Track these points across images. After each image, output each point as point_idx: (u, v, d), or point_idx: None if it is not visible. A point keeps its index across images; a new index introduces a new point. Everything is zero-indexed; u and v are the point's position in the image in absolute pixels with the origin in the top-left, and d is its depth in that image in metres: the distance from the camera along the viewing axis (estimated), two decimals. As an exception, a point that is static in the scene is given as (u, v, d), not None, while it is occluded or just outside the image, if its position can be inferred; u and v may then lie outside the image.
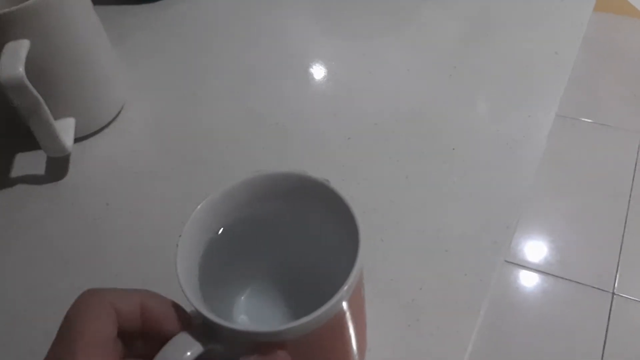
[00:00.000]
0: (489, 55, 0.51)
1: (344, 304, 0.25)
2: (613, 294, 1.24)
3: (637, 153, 1.48)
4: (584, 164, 1.48)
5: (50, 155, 0.45)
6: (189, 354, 0.23)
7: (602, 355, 1.14)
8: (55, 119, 0.45)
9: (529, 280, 1.28)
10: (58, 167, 0.47)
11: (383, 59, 0.52)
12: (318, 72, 0.52)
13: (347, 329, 0.28)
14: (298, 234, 0.32)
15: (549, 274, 1.29)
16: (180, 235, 0.26)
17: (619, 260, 1.29)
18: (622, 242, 1.32)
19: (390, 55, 0.52)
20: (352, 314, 0.27)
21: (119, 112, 0.50)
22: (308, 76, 0.51)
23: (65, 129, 0.46)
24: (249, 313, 0.29)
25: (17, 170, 0.47)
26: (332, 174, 0.44)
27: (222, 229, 0.29)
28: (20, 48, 0.40)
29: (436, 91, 0.49)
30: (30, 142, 0.46)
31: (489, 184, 0.43)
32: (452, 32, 0.53)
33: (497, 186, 0.42)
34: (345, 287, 0.24)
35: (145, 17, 0.58)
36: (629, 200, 1.39)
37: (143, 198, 0.44)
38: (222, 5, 0.58)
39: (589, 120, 1.57)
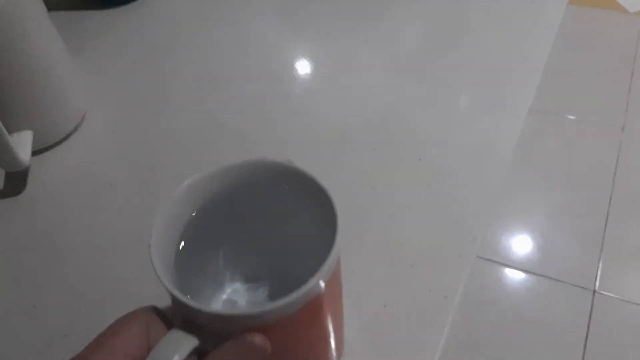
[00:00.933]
0: (458, 60, 0.50)
1: (321, 287, 0.25)
2: (594, 291, 1.24)
3: (619, 148, 1.48)
4: (565, 160, 1.48)
5: (6, 170, 0.44)
6: (179, 353, 0.23)
7: (584, 353, 1.14)
8: (11, 132, 0.44)
9: (509, 278, 1.28)
10: (16, 181, 0.45)
11: (349, 62, 0.51)
12: (282, 75, 0.50)
13: (324, 314, 0.27)
14: (275, 223, 0.31)
15: (530, 271, 1.29)
16: (152, 226, 0.26)
17: (600, 258, 1.30)
18: (603, 240, 1.32)
19: (357, 59, 0.51)
20: (330, 299, 0.27)
21: (81, 122, 0.49)
22: (272, 80, 0.50)
23: (22, 143, 0.44)
24: (229, 302, 0.29)
25: (-27, 185, 0.46)
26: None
27: (194, 220, 0.29)
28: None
29: (404, 97, 0.48)
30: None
31: (454, 196, 0.42)
32: (421, 36, 0.52)
33: (463, 198, 0.42)
34: (323, 270, 0.24)
35: (106, 23, 0.56)
36: (610, 196, 1.40)
37: (103, 210, 0.43)
38: (184, 9, 0.57)
39: (570, 116, 1.57)
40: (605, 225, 1.35)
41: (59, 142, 0.48)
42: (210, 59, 0.52)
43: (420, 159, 0.44)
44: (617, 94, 1.60)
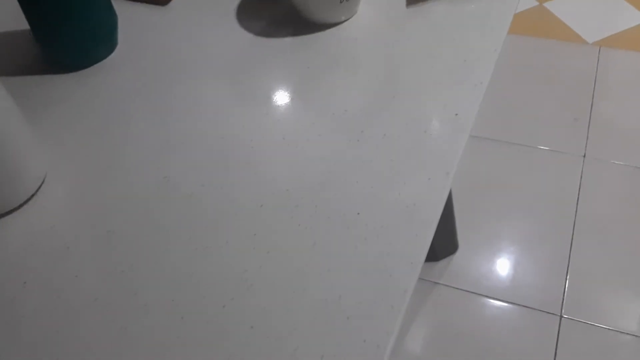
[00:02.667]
0: (394, 119, 0.54)
1: None
2: (561, 317, 1.28)
3: (580, 176, 1.53)
4: (527, 188, 1.52)
5: (-35, 238, 0.46)
6: None
7: (551, 379, 1.17)
8: (-29, 200, 0.47)
9: (476, 306, 1.31)
10: (-24, 247, 0.48)
11: (295, 124, 0.54)
12: (231, 140, 0.54)
13: None
14: None
15: (495, 298, 1.32)
16: None
17: (565, 283, 1.33)
18: (568, 265, 1.36)
19: (302, 121, 0.54)
20: None
21: (39, 187, 0.51)
22: (222, 144, 0.53)
23: (-19, 211, 0.47)
24: None
25: (-64, 252, 0.48)
26: (244, 243, 0.46)
27: None
28: None
29: (345, 156, 0.51)
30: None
31: (388, 250, 0.45)
32: (361, 96, 0.56)
33: (395, 252, 0.45)
34: None
35: (64, 89, 0.59)
36: (574, 222, 1.44)
37: (60, 275, 0.46)
38: (139, 75, 0.60)
39: (533, 146, 1.62)
40: (570, 251, 1.39)
41: (18, 207, 0.50)
42: (164, 125, 0.55)
43: (358, 214, 0.48)
44: (578, 122, 1.66)
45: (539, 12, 1.99)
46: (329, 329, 0.41)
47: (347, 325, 0.42)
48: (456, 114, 0.53)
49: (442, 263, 1.39)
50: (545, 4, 2.01)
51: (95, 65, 0.61)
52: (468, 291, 1.34)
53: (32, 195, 0.51)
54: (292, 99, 0.56)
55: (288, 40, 0.62)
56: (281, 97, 0.57)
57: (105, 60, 0.61)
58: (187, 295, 0.44)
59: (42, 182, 0.52)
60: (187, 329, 0.42)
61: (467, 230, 1.43)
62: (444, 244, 1.38)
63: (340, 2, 0.60)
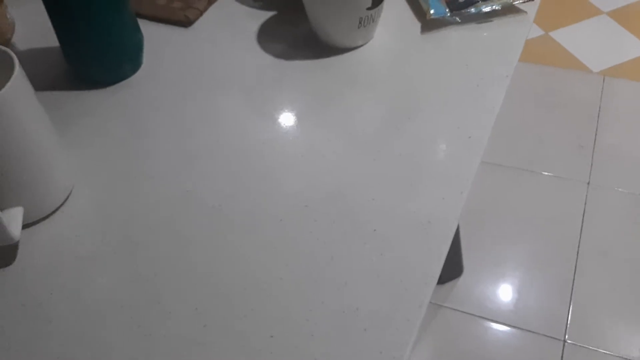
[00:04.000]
0: (409, 139, 0.56)
1: None
2: (564, 341, 1.28)
3: (584, 202, 1.55)
4: (532, 213, 1.54)
5: (-2, 244, 0.48)
6: None
7: (554, 403, 1.18)
8: (4, 208, 0.49)
9: (479, 329, 1.32)
10: (7, 253, 0.50)
11: (313, 142, 0.56)
12: (251, 155, 0.56)
13: None
14: None
15: (499, 322, 1.33)
16: None
17: (569, 308, 1.34)
18: (572, 290, 1.37)
19: (320, 139, 0.56)
20: None
21: (67, 197, 0.53)
22: (242, 159, 0.55)
23: (14, 218, 0.49)
24: None
25: (-34, 257, 0.50)
26: (264, 255, 0.48)
27: None
28: (-30, 149, 0.43)
29: (362, 173, 0.53)
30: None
31: (403, 264, 0.47)
32: (377, 117, 0.58)
33: (411, 266, 0.47)
34: None
35: (92, 103, 0.61)
36: (578, 248, 1.45)
37: (87, 282, 0.47)
38: (164, 91, 0.62)
39: (537, 171, 1.64)
40: (574, 276, 1.40)
41: (47, 217, 0.52)
42: (187, 139, 0.57)
43: (375, 230, 0.49)
44: (583, 149, 1.68)
45: (545, 40, 2.02)
46: (346, 339, 0.43)
47: (363, 337, 0.43)
48: (469, 137, 0.55)
49: (447, 286, 1.40)
50: (551, 33, 2.04)
51: (122, 82, 0.63)
52: (472, 314, 1.35)
53: (60, 205, 0.53)
54: (310, 118, 0.58)
55: (306, 62, 0.64)
56: (299, 116, 0.59)
57: (131, 77, 0.64)
58: (209, 304, 0.46)
59: (70, 193, 0.54)
60: (209, 336, 0.44)
61: (472, 253, 1.44)
62: (449, 267, 1.39)
63: (358, 27, 0.63)
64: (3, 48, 0.48)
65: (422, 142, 0.55)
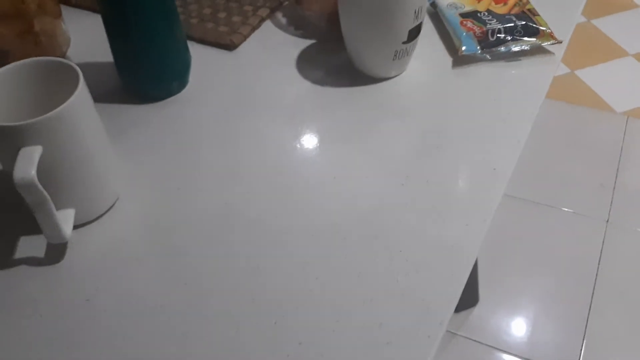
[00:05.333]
0: (437, 167, 0.59)
1: None
2: (576, 377, 1.29)
3: (603, 240, 1.56)
4: (550, 247, 1.55)
5: (50, 242, 0.52)
6: None
7: None
8: (58, 209, 0.52)
9: (492, 359, 1.33)
10: (57, 251, 0.53)
11: (346, 165, 0.60)
12: (288, 174, 0.59)
13: None
14: None
15: (512, 354, 1.34)
16: None
17: (582, 344, 1.35)
18: (586, 327, 1.38)
19: (352, 163, 0.60)
20: None
21: (114, 203, 0.57)
22: (279, 178, 0.59)
23: (66, 219, 0.52)
24: None
25: (19, 252, 0.54)
26: (296, 267, 0.51)
27: None
28: (34, 153, 0.47)
29: (390, 197, 0.56)
30: (32, 225, 0.53)
31: (426, 284, 0.50)
32: (408, 145, 0.61)
33: (433, 287, 0.49)
34: None
35: (142, 116, 0.66)
36: (594, 285, 1.46)
37: (130, 283, 0.51)
38: (209, 109, 0.66)
39: (556, 207, 1.65)
40: (589, 313, 1.41)
41: (95, 220, 0.56)
42: (228, 155, 0.61)
43: (400, 251, 0.52)
44: (603, 188, 1.69)
45: (570, 79, 2.05)
46: (370, 352, 0.46)
47: (386, 350, 0.46)
48: (494, 169, 0.58)
49: (462, 315, 1.42)
50: (577, 72, 2.07)
51: (169, 99, 0.68)
52: (486, 344, 1.36)
53: (108, 209, 0.57)
54: (343, 143, 0.62)
55: (342, 90, 0.68)
56: (333, 140, 0.62)
57: (178, 95, 0.68)
58: (242, 309, 0.49)
59: (117, 199, 0.57)
60: (240, 339, 0.47)
61: (489, 284, 1.46)
62: (465, 295, 1.41)
63: (393, 59, 0.67)
64: (69, 62, 0.52)
65: (449, 171, 0.59)
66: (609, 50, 2.15)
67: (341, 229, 0.54)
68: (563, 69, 2.09)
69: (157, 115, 0.66)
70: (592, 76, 2.05)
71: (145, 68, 0.65)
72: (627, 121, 1.89)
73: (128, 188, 0.58)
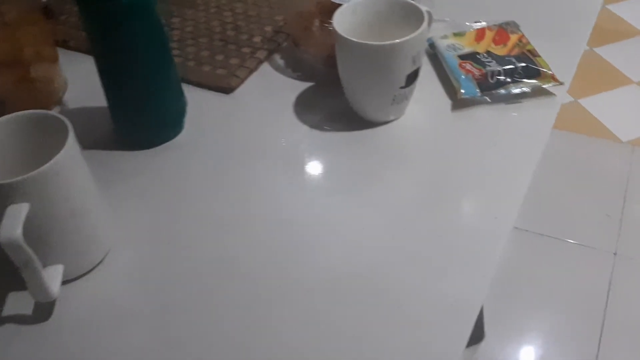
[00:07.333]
0: (438, 218, 0.57)
1: None
2: (586, 417, 1.25)
3: (611, 273, 1.53)
4: (557, 281, 1.52)
5: (37, 300, 0.51)
6: None
7: None
8: (45, 265, 0.51)
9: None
10: (44, 309, 0.52)
11: (346, 215, 0.58)
12: (285, 224, 0.58)
13: None
14: None
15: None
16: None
17: (592, 382, 1.32)
18: (596, 364, 1.35)
19: (350, 212, 0.58)
20: None
21: (105, 257, 0.56)
22: (275, 229, 0.57)
23: (54, 276, 0.51)
24: None
25: (6, 309, 0.52)
26: (296, 321, 0.50)
27: None
28: (21, 211, 0.46)
29: (390, 248, 0.55)
30: (19, 282, 0.51)
31: (428, 338, 0.48)
32: (409, 196, 0.60)
33: (435, 341, 0.48)
34: None
35: (135, 164, 0.65)
36: (603, 320, 1.43)
37: (123, 338, 0.49)
38: (204, 155, 0.65)
39: (565, 240, 1.63)
40: (598, 350, 1.37)
41: (85, 274, 0.54)
42: (224, 204, 0.60)
43: (400, 306, 0.51)
44: (610, 219, 1.67)
45: (574, 108, 2.04)
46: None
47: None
48: (495, 217, 0.57)
49: (468, 351, 1.39)
50: (581, 100, 2.06)
51: (163, 145, 0.66)
52: (493, 382, 1.33)
53: (98, 263, 0.55)
54: (342, 190, 0.61)
55: (340, 134, 0.67)
56: (332, 189, 0.61)
57: (172, 141, 0.67)
58: (236, 371, 0.47)
59: (108, 251, 0.56)
60: (233, 404, 0.45)
61: (494, 319, 1.43)
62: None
63: (391, 104, 0.65)
64: (58, 116, 0.51)
65: (450, 220, 0.57)
66: (613, 79, 2.14)
67: (340, 284, 0.52)
68: (567, 98, 2.08)
69: (150, 163, 0.65)
70: (597, 105, 2.04)
71: (138, 115, 0.64)
72: (632, 150, 1.87)
73: (119, 240, 0.57)
